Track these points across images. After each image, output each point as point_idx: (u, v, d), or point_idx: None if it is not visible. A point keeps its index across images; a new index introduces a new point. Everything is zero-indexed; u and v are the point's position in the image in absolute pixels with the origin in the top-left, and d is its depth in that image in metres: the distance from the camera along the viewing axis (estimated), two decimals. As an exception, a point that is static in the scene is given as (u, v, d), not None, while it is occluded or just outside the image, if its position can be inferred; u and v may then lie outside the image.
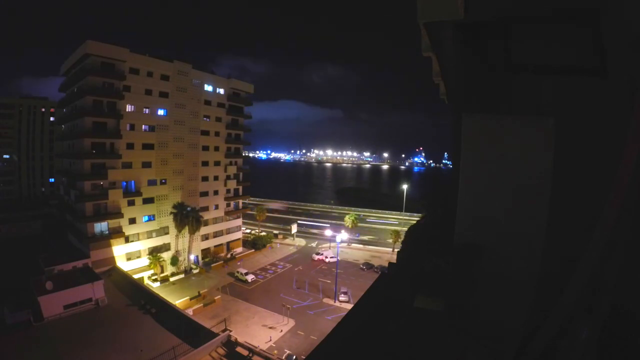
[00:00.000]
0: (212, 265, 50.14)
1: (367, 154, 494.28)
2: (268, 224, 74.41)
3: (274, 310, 36.95)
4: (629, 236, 2.08)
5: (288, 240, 64.95)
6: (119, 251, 41.81)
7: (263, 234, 65.26)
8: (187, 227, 44.74)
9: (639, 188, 1.93)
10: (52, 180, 72.29)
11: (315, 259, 54.19)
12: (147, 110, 44.80)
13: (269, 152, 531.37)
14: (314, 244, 63.26)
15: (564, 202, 2.80)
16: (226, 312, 36.67)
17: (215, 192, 55.16)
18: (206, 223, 51.21)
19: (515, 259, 2.99)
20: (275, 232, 67.83)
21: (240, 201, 60.82)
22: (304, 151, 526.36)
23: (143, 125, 44.61)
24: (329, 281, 45.11)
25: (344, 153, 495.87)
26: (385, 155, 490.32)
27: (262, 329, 33.80)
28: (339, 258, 47.44)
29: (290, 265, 52.03)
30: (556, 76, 2.92)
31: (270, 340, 31.86)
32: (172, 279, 43.50)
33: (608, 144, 2.45)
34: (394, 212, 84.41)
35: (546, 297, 2.61)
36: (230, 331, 29.43)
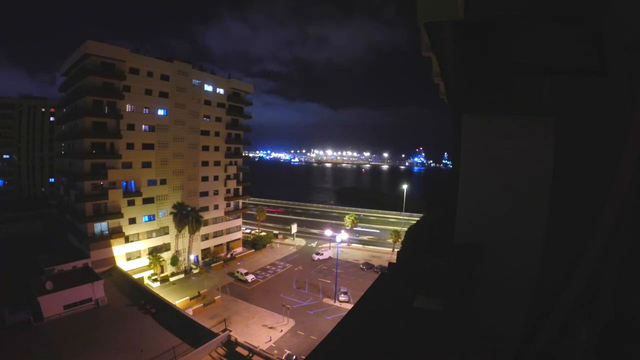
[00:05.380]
0: (212, 265, 50.11)
1: (367, 154, 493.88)
2: (268, 224, 74.46)
3: (274, 310, 36.93)
4: (629, 236, 2.08)
5: (288, 240, 64.94)
6: (119, 251, 41.82)
7: (263, 234, 65.27)
8: (187, 227, 44.76)
9: (639, 188, 1.93)
10: (52, 180, 72.25)
11: (315, 259, 54.26)
12: (147, 110, 44.81)
13: (269, 152, 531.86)
14: (314, 244, 63.22)
15: (564, 202, 2.79)
16: (226, 312, 36.66)
17: (215, 192, 55.19)
18: (206, 223, 51.18)
19: (515, 259, 2.98)
20: (275, 232, 67.85)
21: (240, 201, 60.81)
22: (304, 151, 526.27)
23: (143, 125, 44.61)
24: (329, 281, 45.09)
25: (344, 153, 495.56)
26: (385, 155, 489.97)
27: (262, 329, 33.79)
28: (339, 258, 47.45)
29: (290, 265, 52.01)
30: (556, 76, 2.92)
31: (270, 340, 31.84)
32: (172, 279, 43.54)
33: (608, 144, 2.45)
34: (394, 212, 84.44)
35: (546, 298, 2.61)
36: (230, 331, 29.40)
